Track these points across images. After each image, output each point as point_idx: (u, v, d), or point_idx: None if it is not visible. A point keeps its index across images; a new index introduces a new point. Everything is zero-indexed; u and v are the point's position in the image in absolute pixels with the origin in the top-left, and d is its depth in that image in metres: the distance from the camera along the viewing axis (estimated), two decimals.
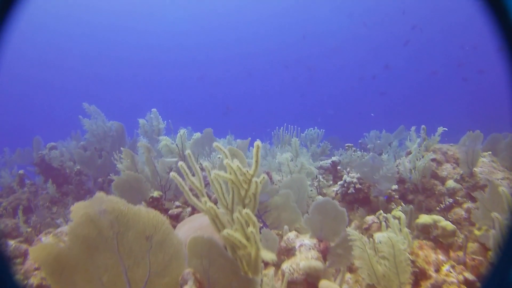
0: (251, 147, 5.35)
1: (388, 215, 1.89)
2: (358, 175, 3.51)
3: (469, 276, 1.65)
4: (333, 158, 4.48)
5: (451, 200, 3.34)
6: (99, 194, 1.37)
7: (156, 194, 3.38)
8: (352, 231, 1.63)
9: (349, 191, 3.45)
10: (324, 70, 26.95)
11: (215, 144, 1.55)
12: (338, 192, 3.64)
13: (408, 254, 1.51)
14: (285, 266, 1.88)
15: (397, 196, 3.41)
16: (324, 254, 1.96)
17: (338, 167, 4.45)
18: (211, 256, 1.47)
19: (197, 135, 4.81)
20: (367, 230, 2.68)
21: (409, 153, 4.18)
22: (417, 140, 4.09)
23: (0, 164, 5.84)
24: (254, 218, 1.37)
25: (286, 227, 2.29)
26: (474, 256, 1.82)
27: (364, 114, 19.73)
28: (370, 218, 2.72)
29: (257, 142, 1.52)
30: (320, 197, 3.63)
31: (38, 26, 23.76)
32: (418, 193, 3.62)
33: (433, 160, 3.80)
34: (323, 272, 1.80)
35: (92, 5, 24.77)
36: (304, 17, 27.42)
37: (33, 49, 25.36)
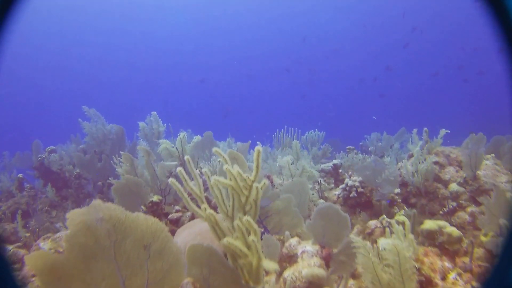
0: (251, 150, 5.33)
1: (392, 221, 1.85)
2: (360, 178, 3.47)
3: (477, 285, 1.60)
4: (335, 161, 4.44)
5: (454, 203, 3.30)
6: (96, 202, 1.34)
7: (155, 198, 3.34)
8: (355, 238, 1.58)
9: (351, 195, 3.41)
10: (324, 72, 26.95)
11: (214, 149, 1.52)
12: (340, 195, 3.59)
13: (413, 262, 1.47)
14: (287, 273, 1.84)
15: (400, 200, 3.37)
16: (327, 261, 1.92)
17: (340, 170, 4.41)
18: (211, 264, 1.43)
19: (197, 138, 4.78)
20: (370, 235, 2.64)
21: (411, 155, 4.14)
22: (419, 143, 4.06)
23: None
24: (255, 226, 1.33)
25: (287, 232, 2.25)
26: (480, 263, 1.78)
27: (365, 116, 19.70)
28: (373, 223, 2.67)
29: (258, 147, 1.48)
30: (321, 200, 3.59)
31: (37, 29, 23.82)
32: (421, 197, 3.57)
33: (435, 163, 3.76)
34: (326, 280, 1.76)
35: (92, 9, 24.86)
36: (304, 20, 27.49)
37: (32, 52, 25.42)
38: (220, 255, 1.43)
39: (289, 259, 2.01)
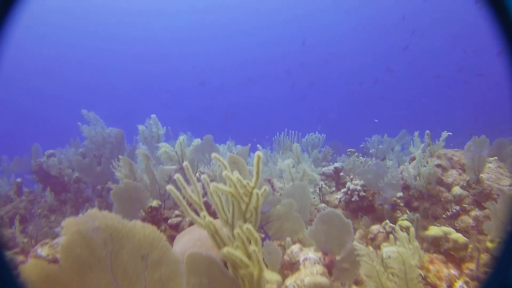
0: (251, 153, 5.29)
1: (396, 227, 1.81)
2: (362, 182, 3.43)
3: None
4: (336, 164, 4.40)
5: (457, 207, 3.25)
6: (92, 210, 1.30)
7: (155, 203, 3.30)
8: (359, 246, 1.54)
9: (353, 199, 3.37)
10: (325, 75, 26.97)
11: (213, 155, 1.48)
12: (341, 199, 3.55)
13: (419, 271, 1.42)
14: (289, 282, 1.79)
15: (402, 204, 3.32)
16: (330, 268, 1.87)
17: (341, 174, 4.36)
18: (211, 274, 1.38)
19: (197, 141, 4.74)
20: (372, 240, 2.59)
21: (413, 158, 4.10)
22: (421, 146, 4.02)
23: None
24: (256, 235, 1.29)
25: (288, 239, 2.20)
26: (487, 270, 1.73)
27: (366, 118, 19.67)
28: (375, 228, 2.63)
29: (258, 152, 1.44)
30: (323, 204, 3.55)
31: (36, 34, 23.89)
32: (424, 200, 3.53)
33: (438, 166, 3.72)
34: None
35: (92, 13, 24.92)
36: (304, 23, 27.54)
37: (31, 56, 25.45)
38: (219, 265, 1.39)
39: (291, 266, 1.97)
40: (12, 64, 22.41)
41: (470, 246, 2.14)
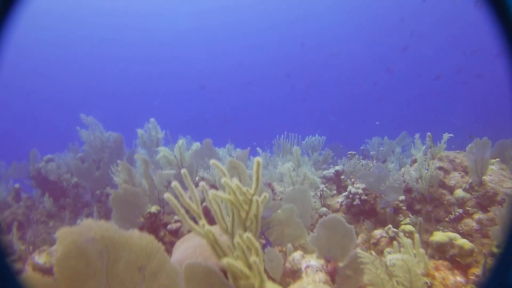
0: (251, 156, 5.24)
1: (400, 234, 1.76)
2: (364, 185, 3.39)
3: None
4: (337, 167, 4.36)
5: (460, 210, 3.21)
6: (88, 221, 1.26)
7: (153, 209, 3.25)
8: (363, 253, 1.50)
9: (355, 203, 3.33)
10: (324, 77, 27.00)
11: (211, 161, 1.44)
12: (343, 203, 3.51)
13: (425, 279, 1.38)
14: None
15: (405, 207, 3.28)
16: (332, 276, 1.83)
17: (342, 177, 4.32)
18: (210, 285, 1.34)
19: (196, 145, 4.71)
20: (375, 245, 2.55)
21: (415, 161, 4.06)
22: (422, 148, 3.98)
23: None
24: (257, 244, 1.25)
25: (289, 245, 2.16)
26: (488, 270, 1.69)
27: (366, 120, 19.65)
28: (378, 232, 2.58)
29: (257, 158, 1.41)
30: (324, 209, 3.50)
31: (34, 38, 23.90)
32: (426, 203, 3.49)
33: (440, 168, 3.68)
34: None
35: (91, 17, 24.95)
36: (304, 25, 27.59)
37: (28, 61, 25.44)
38: (220, 275, 1.35)
39: (292, 274, 1.92)
40: (10, 68, 22.40)
41: (476, 250, 2.09)
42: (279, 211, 2.51)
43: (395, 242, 1.76)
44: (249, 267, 1.23)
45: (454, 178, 3.60)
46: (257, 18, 28.14)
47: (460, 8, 19.29)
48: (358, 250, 1.59)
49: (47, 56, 26.31)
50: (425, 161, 3.58)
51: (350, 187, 3.44)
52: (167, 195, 1.35)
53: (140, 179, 3.82)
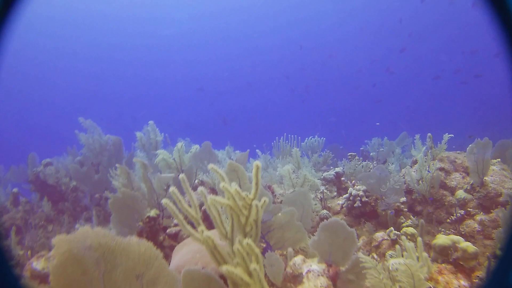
0: (251, 158, 5.22)
1: (403, 237, 1.74)
2: (364, 187, 3.37)
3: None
4: (337, 169, 4.33)
5: (462, 211, 3.19)
6: (85, 228, 1.23)
7: (153, 213, 3.22)
8: (365, 258, 1.48)
9: (355, 205, 3.30)
10: (323, 78, 27.01)
11: (210, 166, 1.41)
12: (343, 205, 3.48)
13: (429, 284, 1.36)
14: None
15: (406, 209, 3.26)
16: (334, 280, 1.80)
17: (342, 178, 4.30)
18: None
19: (195, 147, 4.68)
20: (377, 248, 2.53)
21: (415, 162, 4.04)
22: (422, 148, 3.96)
23: None
24: (257, 251, 1.22)
25: (290, 249, 2.13)
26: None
27: (365, 120, 19.65)
28: (379, 235, 2.56)
29: (256, 162, 1.38)
30: (325, 211, 3.48)
31: (32, 41, 23.89)
32: (427, 204, 3.46)
33: (441, 169, 3.66)
34: None
35: (90, 20, 24.97)
36: (303, 27, 27.65)
37: (26, 65, 25.42)
38: (219, 282, 1.32)
39: (293, 279, 1.90)
40: (8, 72, 22.39)
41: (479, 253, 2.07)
42: (280, 214, 2.49)
43: (397, 246, 1.73)
44: (249, 274, 1.21)
45: (455, 179, 3.57)
46: (256, 20, 28.20)
47: (458, 9, 19.32)
48: (360, 254, 1.56)
49: (45, 60, 26.32)
50: (425, 162, 3.56)
51: (350, 189, 3.41)
52: (165, 201, 1.33)
53: (139, 182, 3.79)
